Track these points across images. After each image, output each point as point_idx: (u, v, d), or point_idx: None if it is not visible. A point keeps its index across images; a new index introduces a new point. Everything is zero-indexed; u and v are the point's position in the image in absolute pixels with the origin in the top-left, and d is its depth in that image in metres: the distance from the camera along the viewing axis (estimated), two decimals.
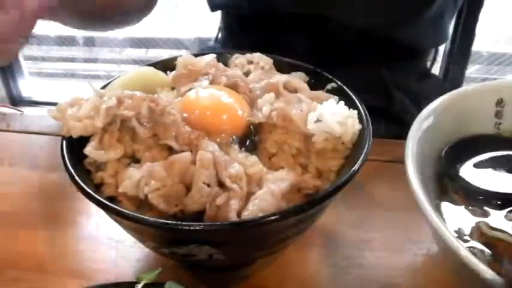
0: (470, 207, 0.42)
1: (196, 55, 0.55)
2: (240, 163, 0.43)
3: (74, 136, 0.45)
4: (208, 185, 0.41)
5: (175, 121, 0.45)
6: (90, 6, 0.69)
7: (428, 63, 0.97)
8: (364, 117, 0.47)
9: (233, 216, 0.40)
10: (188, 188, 0.42)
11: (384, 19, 0.79)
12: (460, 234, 0.39)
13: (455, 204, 0.43)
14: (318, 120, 0.46)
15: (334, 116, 0.45)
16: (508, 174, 0.46)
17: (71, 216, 0.57)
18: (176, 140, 0.44)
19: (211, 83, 0.51)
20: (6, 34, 0.47)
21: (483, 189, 0.43)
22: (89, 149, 0.44)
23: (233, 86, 0.51)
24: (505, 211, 0.41)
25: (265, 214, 0.39)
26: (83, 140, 0.45)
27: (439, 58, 1.39)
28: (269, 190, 0.42)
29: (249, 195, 0.42)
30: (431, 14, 0.79)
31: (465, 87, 0.49)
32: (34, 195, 0.60)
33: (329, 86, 0.53)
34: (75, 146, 0.45)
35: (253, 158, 0.45)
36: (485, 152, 0.48)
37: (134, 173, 0.42)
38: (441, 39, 0.91)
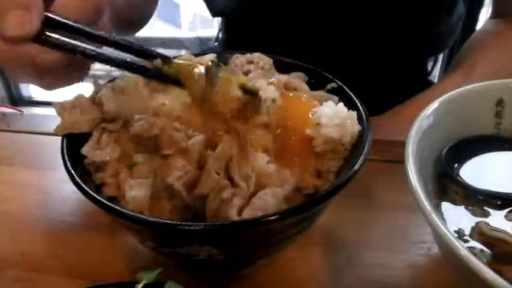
0: (470, 207, 0.42)
1: (196, 55, 0.55)
2: (257, 168, 0.42)
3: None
4: (218, 174, 0.41)
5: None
6: (128, 12, 0.73)
7: (430, 65, 0.97)
8: (364, 118, 0.47)
9: (233, 213, 0.39)
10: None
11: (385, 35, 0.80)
12: (460, 234, 0.39)
13: (455, 204, 0.43)
14: (316, 124, 0.46)
15: (332, 119, 0.45)
16: (508, 174, 0.46)
17: (71, 216, 0.57)
18: (170, 147, 0.43)
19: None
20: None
21: (483, 189, 0.43)
22: (86, 149, 0.44)
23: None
24: (505, 211, 0.41)
25: (264, 214, 0.39)
26: (83, 140, 0.45)
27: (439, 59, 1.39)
28: (271, 191, 0.41)
29: (253, 195, 0.42)
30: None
31: (465, 87, 0.48)
32: (34, 195, 0.60)
33: (329, 86, 0.53)
34: (76, 146, 0.45)
35: (271, 167, 0.43)
36: (485, 152, 0.48)
37: (139, 192, 0.42)
38: (442, 47, 0.92)
